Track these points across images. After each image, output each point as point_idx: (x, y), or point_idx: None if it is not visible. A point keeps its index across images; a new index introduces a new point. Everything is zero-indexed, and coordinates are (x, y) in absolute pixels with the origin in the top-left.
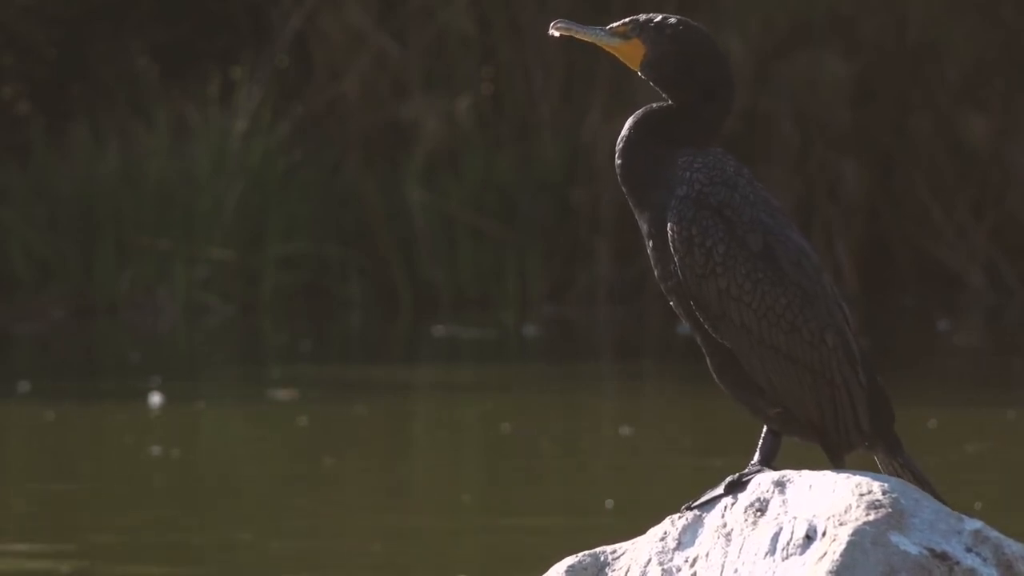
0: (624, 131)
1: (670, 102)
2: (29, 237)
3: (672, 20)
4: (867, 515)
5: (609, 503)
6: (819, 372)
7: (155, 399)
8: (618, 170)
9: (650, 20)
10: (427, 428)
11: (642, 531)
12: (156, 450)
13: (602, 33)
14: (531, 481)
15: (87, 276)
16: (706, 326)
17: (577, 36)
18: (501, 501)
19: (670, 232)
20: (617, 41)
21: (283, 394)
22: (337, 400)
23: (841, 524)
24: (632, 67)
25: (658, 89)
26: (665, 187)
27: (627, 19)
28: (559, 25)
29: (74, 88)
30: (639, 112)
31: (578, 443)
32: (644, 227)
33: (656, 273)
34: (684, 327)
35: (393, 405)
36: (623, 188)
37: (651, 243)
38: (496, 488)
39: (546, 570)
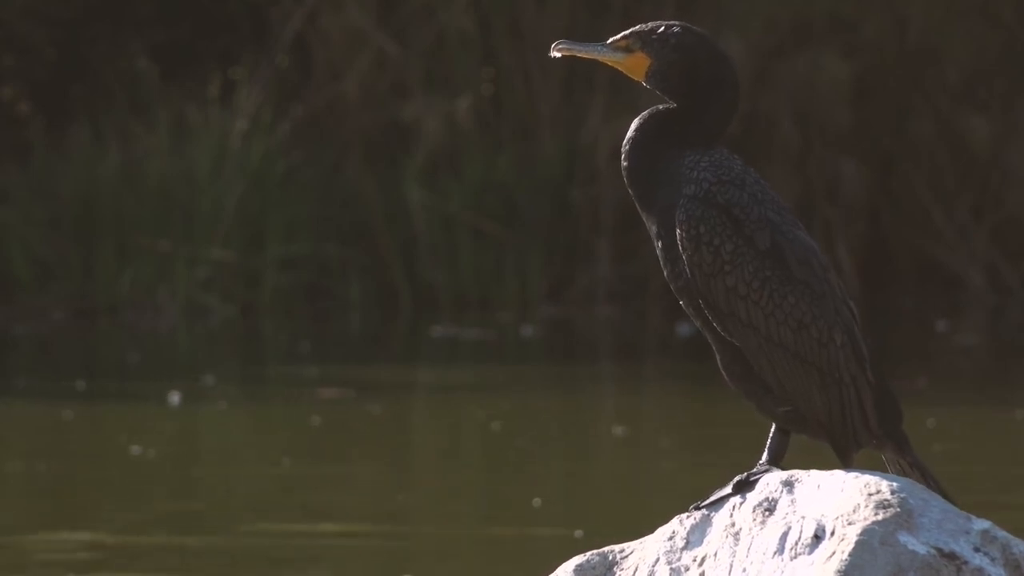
0: (630, 132)
1: (675, 104)
2: (29, 237)
3: (675, 28)
4: (875, 515)
5: (536, 502)
6: (827, 371)
7: (174, 398)
8: (625, 172)
9: (652, 31)
10: (426, 428)
11: (624, 530)
12: (185, 448)
13: (604, 49)
14: (528, 481)
15: (87, 277)
16: (715, 325)
17: (579, 55)
18: (499, 500)
19: (678, 231)
20: (620, 55)
21: (327, 393)
22: (337, 400)
23: (849, 524)
24: (636, 78)
25: (664, 96)
26: (672, 187)
27: (627, 32)
28: (560, 46)
29: (74, 88)
30: (645, 113)
31: (575, 444)
32: (652, 228)
33: (665, 273)
34: (684, 327)
35: (392, 405)
36: (630, 190)
37: (659, 243)
38: (493, 488)
39: (543, 568)
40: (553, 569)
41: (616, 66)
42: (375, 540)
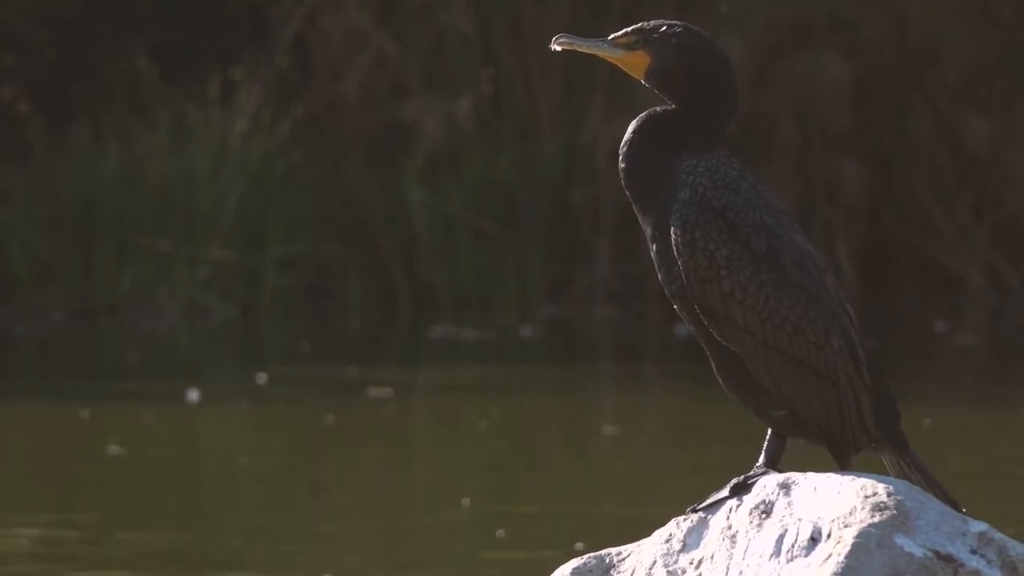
0: (628, 134)
1: (674, 105)
2: (29, 237)
3: (677, 28)
4: (872, 517)
5: (466, 502)
6: (824, 374)
7: (192, 396)
8: (622, 174)
9: (654, 30)
10: (425, 429)
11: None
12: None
13: (605, 45)
14: (526, 481)
15: (87, 277)
16: (710, 329)
17: (579, 49)
18: (496, 500)
19: (673, 236)
20: (621, 52)
21: (375, 392)
22: (336, 400)
23: (846, 526)
24: (636, 76)
25: (662, 96)
26: (669, 191)
27: (629, 29)
28: (561, 40)
29: (74, 88)
30: (643, 115)
31: (574, 444)
32: (648, 231)
33: (660, 276)
34: (683, 328)
35: (391, 405)
36: (627, 192)
37: (655, 247)
38: (492, 488)
39: (539, 568)
40: (548, 571)
41: (616, 63)
42: (370, 539)
